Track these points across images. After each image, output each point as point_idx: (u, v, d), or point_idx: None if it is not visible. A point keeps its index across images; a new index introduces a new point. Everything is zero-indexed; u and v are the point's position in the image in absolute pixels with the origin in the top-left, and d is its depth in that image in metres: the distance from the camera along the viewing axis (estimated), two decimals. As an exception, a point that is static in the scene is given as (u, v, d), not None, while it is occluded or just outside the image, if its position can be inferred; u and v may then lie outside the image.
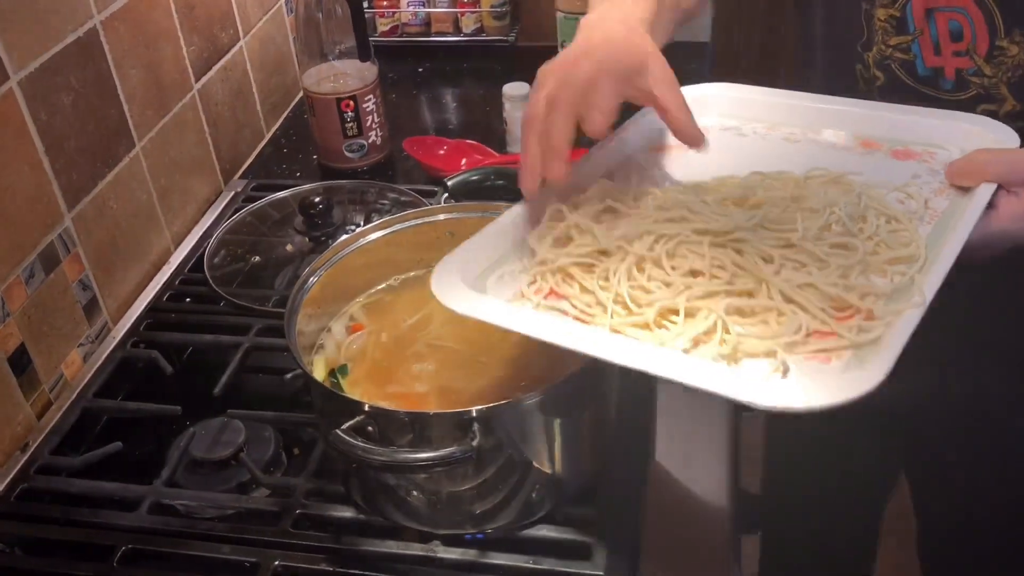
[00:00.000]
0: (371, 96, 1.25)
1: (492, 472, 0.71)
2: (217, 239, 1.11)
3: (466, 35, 1.60)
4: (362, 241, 0.85)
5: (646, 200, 0.74)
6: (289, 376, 0.87)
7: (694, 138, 0.70)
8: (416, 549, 0.75)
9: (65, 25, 0.95)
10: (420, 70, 1.58)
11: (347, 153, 1.28)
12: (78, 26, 0.97)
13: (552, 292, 0.68)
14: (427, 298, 0.83)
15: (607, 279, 0.67)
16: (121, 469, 0.86)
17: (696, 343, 0.62)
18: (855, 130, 0.82)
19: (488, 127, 1.36)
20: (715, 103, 0.88)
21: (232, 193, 1.25)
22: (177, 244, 1.17)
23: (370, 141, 1.28)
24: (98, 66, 1.00)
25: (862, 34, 0.80)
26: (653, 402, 0.88)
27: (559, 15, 1.49)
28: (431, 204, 0.99)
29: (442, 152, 1.29)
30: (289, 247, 1.09)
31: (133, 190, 1.08)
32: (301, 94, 1.46)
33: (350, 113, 1.25)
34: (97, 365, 0.98)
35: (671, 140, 0.84)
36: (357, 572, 0.74)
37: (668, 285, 0.65)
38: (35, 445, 0.89)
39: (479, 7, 1.57)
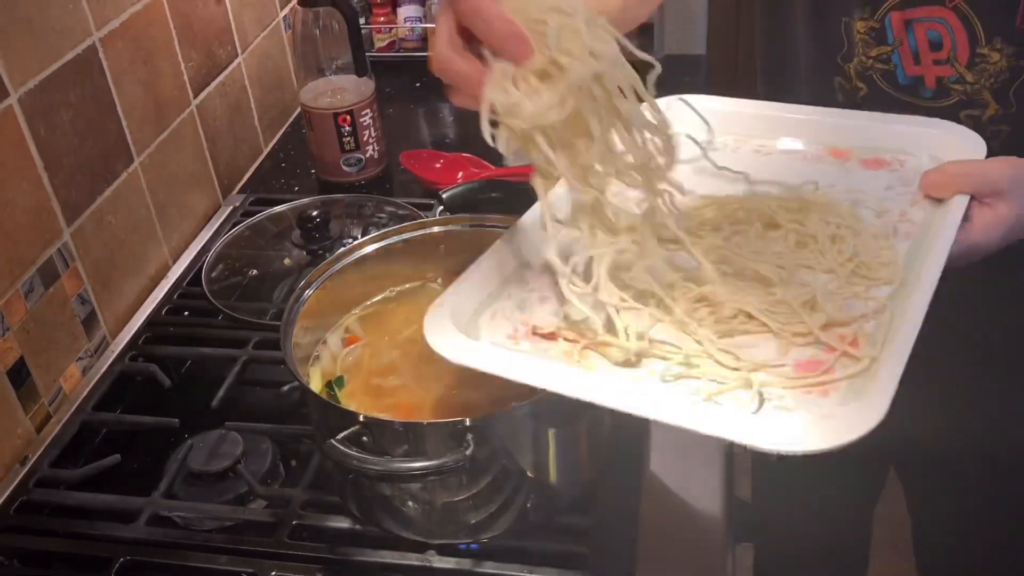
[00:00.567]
0: (368, 111, 1.26)
1: (487, 482, 0.72)
2: (215, 253, 1.12)
3: (463, 50, 1.61)
4: (358, 254, 0.85)
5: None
6: (286, 388, 0.88)
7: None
8: (411, 559, 0.75)
9: (64, 42, 0.96)
10: (417, 85, 1.59)
11: (344, 167, 1.29)
12: (77, 43, 0.98)
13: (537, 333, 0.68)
14: (422, 310, 0.84)
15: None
16: (119, 481, 0.86)
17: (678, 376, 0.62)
18: (824, 139, 0.82)
19: (484, 141, 1.37)
20: (685, 116, 0.86)
21: (230, 208, 1.26)
22: (175, 258, 1.18)
23: (367, 155, 1.29)
24: (97, 82, 1.01)
25: (842, 46, 0.81)
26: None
27: (554, 29, 1.51)
28: (427, 217, 1.00)
29: (438, 165, 1.30)
30: (287, 261, 1.10)
31: (132, 205, 1.09)
32: (299, 109, 1.47)
33: (347, 128, 1.26)
34: (96, 378, 0.98)
35: None
36: (353, 582, 0.75)
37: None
38: (34, 458, 0.89)
39: (475, 22, 1.58)
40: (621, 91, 0.63)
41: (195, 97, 1.22)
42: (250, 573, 0.76)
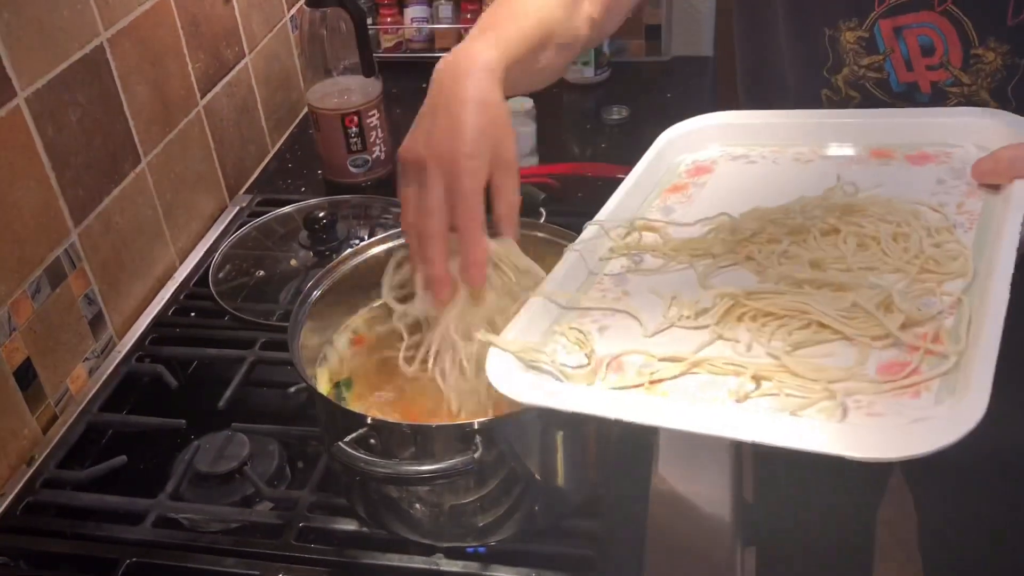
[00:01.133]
0: (375, 111, 1.26)
1: (495, 485, 0.72)
2: (222, 254, 1.12)
3: (469, 51, 1.60)
4: (366, 255, 0.85)
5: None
6: (293, 390, 0.88)
7: (508, 228, 0.69)
8: (419, 562, 0.75)
9: (72, 42, 0.96)
10: (424, 85, 1.57)
11: (351, 168, 1.28)
12: (85, 43, 0.98)
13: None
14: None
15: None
16: (126, 483, 0.86)
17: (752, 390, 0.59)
18: (864, 141, 0.80)
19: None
20: (718, 133, 0.86)
21: (237, 208, 1.26)
22: (182, 259, 1.18)
23: (374, 156, 1.29)
24: (104, 83, 1.01)
25: (827, 59, 0.80)
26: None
27: (562, 30, 1.50)
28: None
29: (445, 167, 1.29)
30: (293, 262, 1.10)
31: (139, 205, 1.09)
32: (305, 110, 1.47)
33: (354, 128, 1.25)
34: (102, 379, 0.98)
35: (683, 179, 0.84)
36: (360, 585, 0.75)
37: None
38: (41, 459, 0.89)
39: (482, 23, 1.58)
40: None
41: (202, 97, 1.22)
42: (256, 575, 0.76)
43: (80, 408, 0.95)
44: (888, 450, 0.52)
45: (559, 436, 0.72)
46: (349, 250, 0.85)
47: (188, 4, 1.17)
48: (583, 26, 0.79)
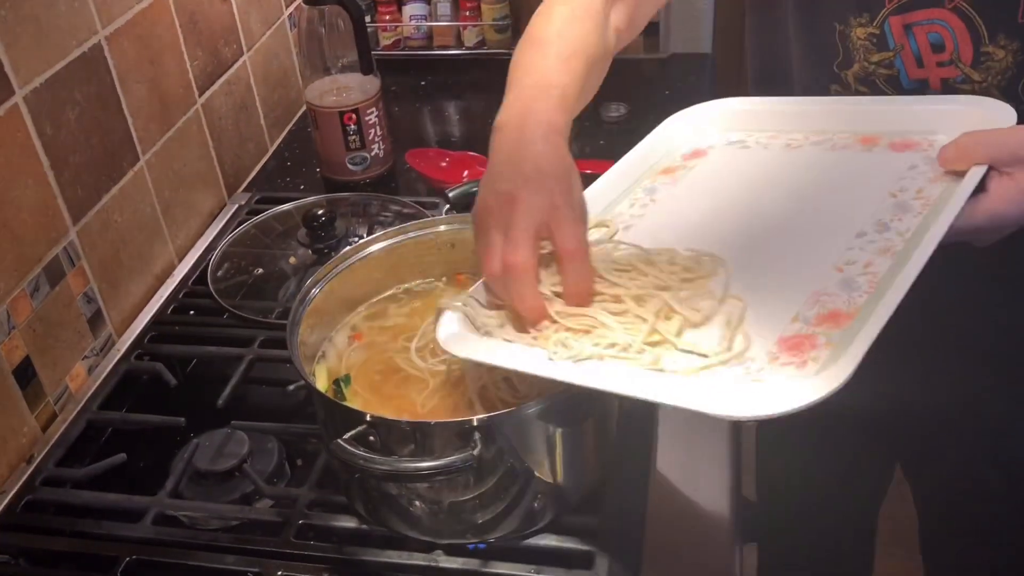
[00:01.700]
0: (373, 109, 1.26)
1: (494, 481, 0.72)
2: (221, 252, 1.12)
3: (468, 48, 1.61)
4: (364, 252, 0.85)
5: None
6: (292, 387, 0.88)
7: (578, 293, 0.69)
8: (418, 559, 0.75)
9: (70, 40, 0.96)
10: (422, 83, 1.59)
11: (350, 166, 1.28)
12: (83, 41, 0.98)
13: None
14: (429, 308, 0.84)
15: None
16: (125, 481, 0.86)
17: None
18: (854, 127, 0.81)
19: (490, 139, 1.37)
20: (719, 119, 0.88)
21: (236, 206, 1.25)
22: (181, 257, 1.18)
23: (372, 154, 1.29)
24: (103, 81, 1.01)
25: (837, 54, 0.80)
26: (654, 410, 0.89)
27: (560, 28, 1.50)
28: (433, 216, 1.00)
29: (444, 164, 1.29)
30: (292, 259, 1.10)
31: (137, 204, 1.09)
32: (304, 108, 1.47)
33: (353, 126, 1.25)
34: (102, 377, 0.98)
35: (678, 162, 0.85)
36: (360, 582, 0.75)
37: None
38: (40, 457, 0.89)
39: (481, 21, 1.58)
40: None
41: (201, 96, 1.22)
42: (256, 573, 0.76)
43: (79, 406, 0.95)
44: (738, 410, 0.56)
45: (558, 433, 0.73)
46: (348, 248, 0.85)
47: (186, 2, 1.17)
48: (611, 40, 0.81)
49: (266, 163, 1.40)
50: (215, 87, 1.25)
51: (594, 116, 1.44)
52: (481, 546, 0.76)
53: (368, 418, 0.68)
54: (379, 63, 1.28)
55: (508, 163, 0.69)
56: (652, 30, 1.59)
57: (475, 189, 1.02)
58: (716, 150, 0.86)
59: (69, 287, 0.97)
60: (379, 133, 1.28)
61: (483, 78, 1.58)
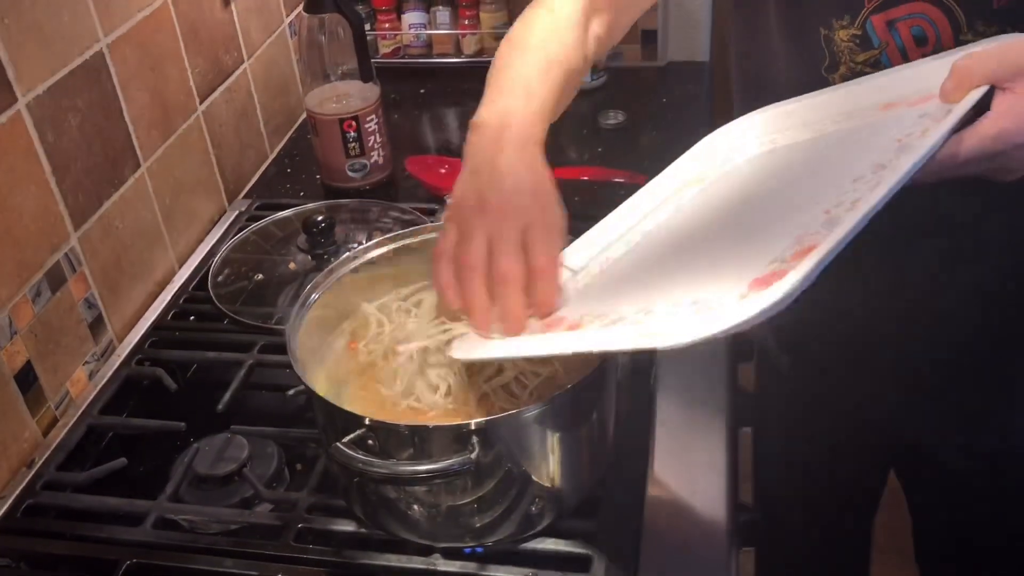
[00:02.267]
0: (373, 116, 1.27)
1: (492, 485, 0.72)
2: (221, 258, 1.13)
3: (467, 56, 1.62)
4: (364, 258, 0.86)
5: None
6: (292, 392, 0.88)
7: (545, 307, 0.71)
8: (417, 562, 0.76)
9: (72, 48, 0.96)
10: (422, 91, 1.60)
11: (349, 173, 1.29)
12: (85, 49, 0.98)
13: None
14: (428, 313, 0.84)
15: None
16: (126, 485, 0.87)
17: None
18: (876, 100, 0.76)
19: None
20: (753, 133, 0.85)
21: (236, 213, 1.26)
22: (181, 263, 1.18)
23: (372, 161, 1.29)
24: (104, 88, 1.02)
25: (824, 58, 0.80)
26: (651, 414, 0.89)
27: (559, 36, 1.51)
28: (432, 222, 1.01)
29: (444, 171, 1.30)
30: (292, 265, 1.11)
31: (138, 210, 1.10)
32: (304, 115, 1.48)
33: (352, 133, 1.26)
34: (102, 383, 0.99)
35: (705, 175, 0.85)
36: (358, 585, 0.75)
37: None
38: (41, 461, 0.90)
39: (480, 29, 1.59)
40: None
41: (201, 103, 1.23)
42: (255, 576, 0.77)
43: (80, 411, 0.95)
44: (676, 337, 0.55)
45: (556, 437, 0.73)
46: (347, 253, 0.86)
47: (187, 10, 1.17)
48: (591, 50, 0.83)
49: (266, 170, 1.41)
50: (216, 94, 1.26)
51: (592, 123, 1.45)
52: (479, 550, 0.76)
53: (367, 422, 0.68)
54: (379, 71, 1.29)
55: (488, 170, 0.72)
56: (650, 38, 1.60)
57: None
58: (746, 158, 0.84)
59: (70, 293, 0.97)
60: (379, 140, 1.29)
61: (482, 86, 1.58)
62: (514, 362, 0.77)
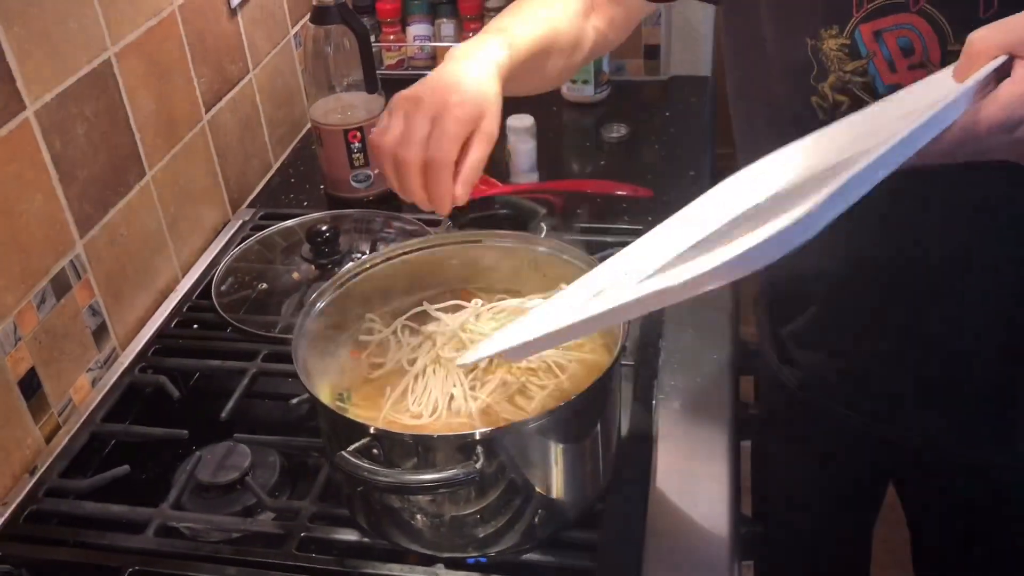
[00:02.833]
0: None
1: (495, 495, 0.72)
2: (225, 267, 1.13)
3: (471, 68, 1.62)
4: (367, 268, 0.86)
5: None
6: (295, 401, 0.89)
7: (440, 203, 0.77)
8: (419, 572, 0.76)
9: (80, 57, 0.97)
10: (425, 102, 1.60)
11: (353, 183, 1.30)
12: (93, 58, 0.99)
13: None
14: (430, 320, 0.85)
15: None
16: (128, 492, 0.87)
17: None
18: (896, 114, 0.69)
19: (492, 158, 1.37)
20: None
21: (240, 222, 1.27)
22: (185, 271, 1.19)
23: (376, 172, 1.30)
24: (111, 96, 1.03)
25: (812, 67, 0.81)
26: (653, 428, 0.89)
27: (562, 49, 1.52)
28: (436, 233, 1.01)
29: (447, 182, 1.30)
30: (296, 275, 1.11)
31: (143, 218, 1.10)
32: (308, 126, 1.49)
33: (357, 144, 1.27)
34: (105, 390, 0.99)
35: None
36: (361, 594, 0.75)
37: None
38: (43, 468, 0.90)
39: (484, 41, 1.60)
40: None
41: (207, 112, 1.23)
42: (258, 584, 0.77)
43: (83, 418, 0.95)
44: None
45: (559, 448, 0.73)
46: (351, 263, 0.86)
47: (194, 20, 1.18)
48: (589, 35, 0.89)
49: (270, 180, 1.41)
50: (221, 104, 1.27)
51: (595, 137, 1.45)
52: (482, 560, 0.76)
53: (372, 431, 0.69)
54: (383, 82, 1.29)
55: (450, 76, 0.77)
56: (653, 53, 1.61)
57: (480, 206, 1.05)
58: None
59: (75, 300, 0.98)
60: (383, 151, 1.29)
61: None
62: (517, 370, 0.78)
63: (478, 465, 0.67)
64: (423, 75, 0.74)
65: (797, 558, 1.27)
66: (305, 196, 1.37)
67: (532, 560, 0.76)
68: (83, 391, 0.99)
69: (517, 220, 1.12)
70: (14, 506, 0.86)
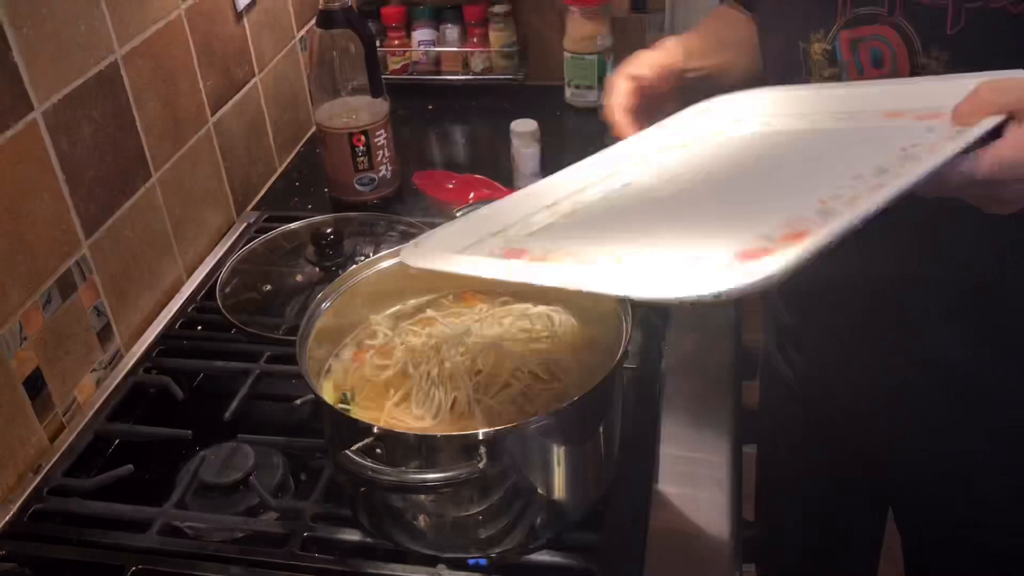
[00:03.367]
0: (382, 131, 1.28)
1: (497, 496, 0.73)
2: (229, 268, 1.13)
3: (475, 74, 1.63)
4: (371, 270, 0.87)
5: None
6: (298, 402, 0.89)
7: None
8: (421, 573, 0.76)
9: (87, 59, 0.98)
10: (430, 107, 1.61)
11: (358, 186, 1.30)
12: (100, 60, 1.00)
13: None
14: (434, 323, 0.85)
15: None
16: (132, 492, 0.87)
17: None
18: (880, 106, 0.76)
19: (496, 163, 1.39)
20: (747, 110, 0.86)
21: (244, 224, 1.27)
22: (190, 273, 1.19)
23: (380, 175, 1.30)
24: (118, 99, 1.03)
25: (801, 70, 0.83)
26: (656, 429, 0.90)
27: (566, 55, 1.53)
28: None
29: (451, 186, 1.31)
30: (300, 277, 1.11)
31: (148, 220, 1.11)
32: (313, 129, 1.49)
33: (361, 147, 1.27)
34: (110, 390, 0.99)
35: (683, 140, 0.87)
36: (363, 594, 0.75)
37: None
38: (48, 467, 0.90)
39: (488, 47, 1.61)
40: None
41: (212, 115, 1.24)
42: (261, 584, 0.77)
43: (87, 418, 0.96)
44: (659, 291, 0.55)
45: (562, 449, 0.74)
46: (355, 265, 0.87)
47: (200, 23, 1.19)
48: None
49: (275, 182, 1.42)
50: (227, 107, 1.27)
51: (599, 142, 1.45)
52: (483, 561, 0.76)
53: (376, 430, 0.69)
54: (388, 87, 1.30)
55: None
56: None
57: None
58: (751, 140, 0.84)
59: (80, 300, 0.98)
60: (387, 155, 1.30)
61: (490, 103, 1.60)
62: (521, 375, 0.78)
63: (481, 465, 0.67)
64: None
65: (798, 563, 1.27)
66: (309, 199, 1.37)
67: (534, 561, 0.76)
68: (87, 391, 1.00)
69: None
70: (18, 505, 0.86)
